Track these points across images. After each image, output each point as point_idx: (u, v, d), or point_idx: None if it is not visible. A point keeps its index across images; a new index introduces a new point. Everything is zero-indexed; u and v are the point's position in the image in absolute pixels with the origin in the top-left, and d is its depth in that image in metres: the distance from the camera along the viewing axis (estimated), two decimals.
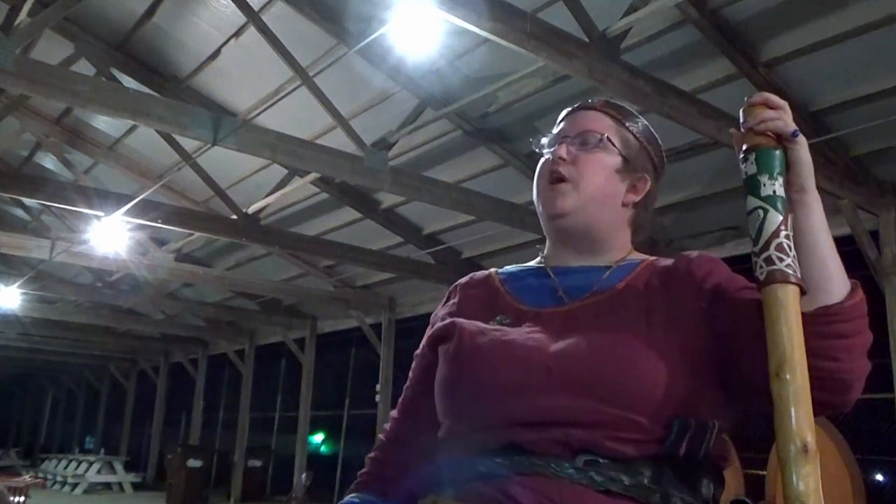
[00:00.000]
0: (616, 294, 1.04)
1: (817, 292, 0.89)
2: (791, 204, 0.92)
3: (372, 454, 1.17)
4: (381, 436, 1.18)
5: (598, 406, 0.91)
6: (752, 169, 0.92)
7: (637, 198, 1.12)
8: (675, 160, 5.49)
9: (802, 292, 0.88)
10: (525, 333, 1.01)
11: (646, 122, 1.16)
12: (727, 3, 4.31)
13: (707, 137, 4.64)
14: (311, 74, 5.32)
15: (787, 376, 0.83)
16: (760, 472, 5.53)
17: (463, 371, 1.01)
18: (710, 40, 4.44)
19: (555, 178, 1.09)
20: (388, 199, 7.42)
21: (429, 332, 1.15)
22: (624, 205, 1.11)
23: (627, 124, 1.13)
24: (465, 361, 1.02)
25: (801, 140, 0.93)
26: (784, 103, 0.95)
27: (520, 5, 3.57)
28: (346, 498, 1.11)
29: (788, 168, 0.93)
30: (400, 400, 1.19)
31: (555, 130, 1.17)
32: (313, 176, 6.33)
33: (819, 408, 0.85)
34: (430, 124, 5.94)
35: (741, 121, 0.95)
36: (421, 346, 1.16)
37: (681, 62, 4.64)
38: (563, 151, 1.09)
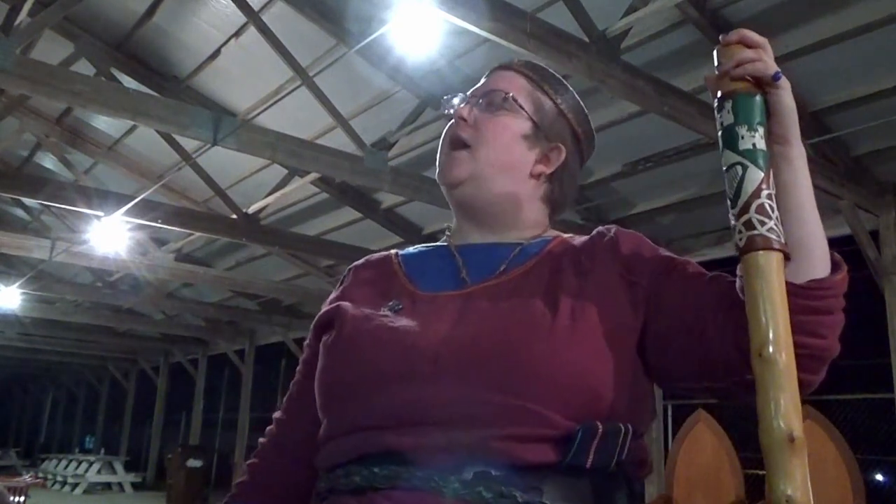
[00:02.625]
0: (522, 274, 0.92)
1: (804, 261, 0.79)
2: (772, 158, 0.80)
3: (251, 460, 1.04)
4: (262, 439, 1.05)
5: (491, 396, 0.79)
6: (729, 119, 0.80)
7: (549, 169, 0.99)
8: (675, 160, 5.50)
9: (787, 259, 0.78)
10: (417, 320, 0.88)
11: (572, 92, 1.03)
12: (727, 3, 4.32)
13: (707, 137, 4.64)
14: (311, 74, 5.32)
15: (771, 355, 0.72)
16: (760, 472, 5.53)
17: (340, 362, 0.90)
18: (711, 40, 4.44)
19: (454, 144, 0.99)
20: (388, 199, 7.42)
21: (316, 318, 1.01)
22: (532, 176, 0.98)
23: (546, 88, 1.01)
24: (343, 351, 0.90)
25: (784, 83, 0.81)
26: (763, 40, 0.82)
27: (520, 5, 3.57)
28: None
29: (769, 116, 0.81)
30: (285, 397, 1.05)
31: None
32: (313, 176, 6.33)
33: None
34: (430, 124, 5.94)
35: (716, 63, 0.83)
36: (308, 335, 1.03)
37: (681, 62, 4.65)
38: (465, 112, 0.98)
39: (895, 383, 5.00)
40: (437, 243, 1.05)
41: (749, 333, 0.75)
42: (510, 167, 0.97)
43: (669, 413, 6.87)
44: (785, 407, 0.72)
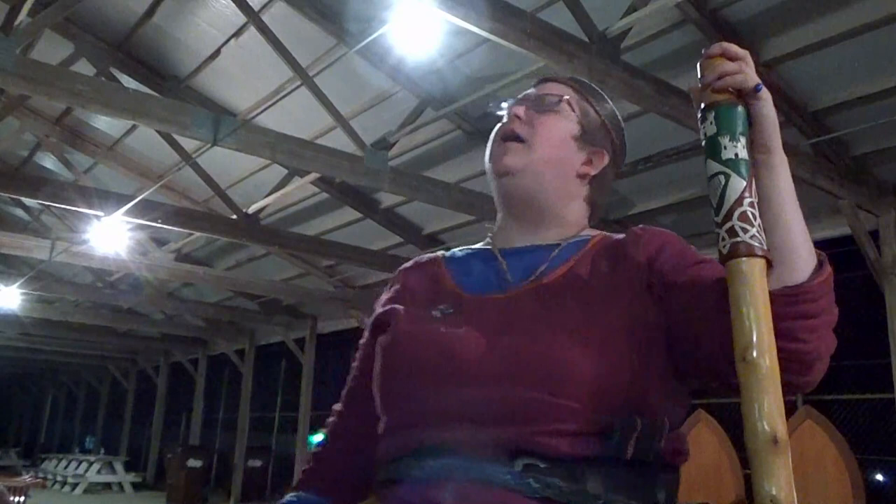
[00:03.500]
0: (563, 275, 0.97)
1: (782, 268, 0.81)
2: (755, 166, 0.83)
3: (315, 449, 1.11)
4: (324, 430, 1.12)
5: (534, 395, 0.84)
6: (712, 129, 0.83)
7: (593, 171, 1.05)
8: (676, 160, 5.50)
9: (770, 265, 0.80)
10: (464, 322, 0.94)
11: (612, 106, 1.11)
12: (727, 3, 4.31)
13: None
14: (311, 74, 5.32)
15: (755, 359, 0.75)
16: None
17: (396, 363, 0.96)
18: (711, 40, 4.43)
19: (508, 137, 1.05)
20: (388, 199, 7.42)
21: (370, 319, 1.08)
22: (579, 176, 1.05)
23: (590, 99, 1.09)
24: (397, 353, 0.96)
25: (765, 95, 0.84)
26: (745, 53, 0.84)
27: (520, 5, 3.57)
28: (286, 497, 1.05)
29: (752, 126, 0.84)
30: (343, 391, 1.12)
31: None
32: (313, 176, 6.33)
33: (786, 389, 0.78)
34: (430, 124, 5.94)
35: (699, 76, 0.86)
36: (364, 334, 1.09)
37: (681, 62, 4.64)
38: (520, 111, 1.05)
39: (895, 383, 5.00)
40: (480, 245, 1.11)
41: (733, 337, 0.78)
42: (559, 163, 1.04)
43: None
44: (768, 409, 0.74)
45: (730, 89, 0.84)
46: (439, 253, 1.13)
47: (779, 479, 0.72)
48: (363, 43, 4.32)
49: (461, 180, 6.48)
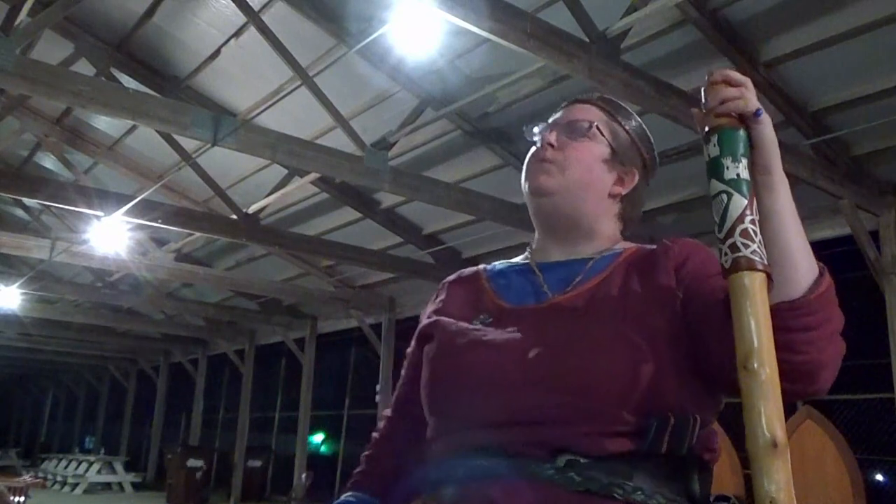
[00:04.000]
0: (596, 286, 1.03)
1: (781, 282, 0.86)
2: (756, 186, 0.88)
3: (367, 452, 1.17)
4: (375, 434, 1.19)
5: (574, 401, 0.90)
6: (715, 151, 0.88)
7: (624, 190, 1.11)
8: (676, 160, 5.50)
9: (770, 279, 0.84)
10: (505, 332, 1.00)
11: (640, 122, 1.16)
12: (727, 3, 4.31)
13: None
14: (311, 74, 5.32)
15: (755, 368, 0.79)
16: None
17: (442, 371, 1.03)
18: (710, 40, 4.44)
19: (541, 159, 1.11)
20: (388, 199, 7.42)
21: (418, 329, 1.15)
22: (611, 196, 1.11)
23: (619, 119, 1.14)
24: (443, 362, 1.03)
25: (765, 119, 0.89)
26: (746, 80, 0.90)
27: (520, 5, 3.57)
28: (343, 497, 1.11)
29: (753, 148, 0.89)
30: (393, 397, 1.20)
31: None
32: (313, 176, 6.33)
33: (792, 396, 0.84)
34: (430, 124, 5.94)
35: (702, 101, 0.91)
36: (412, 342, 1.17)
37: (681, 62, 4.65)
38: (551, 138, 1.10)
39: (895, 383, 5.00)
40: (520, 259, 1.17)
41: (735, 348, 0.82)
42: (591, 186, 1.09)
43: None
44: (768, 415, 0.78)
45: (732, 114, 0.88)
46: (481, 267, 1.20)
47: (778, 481, 0.76)
48: (363, 43, 4.32)
49: (461, 180, 6.48)
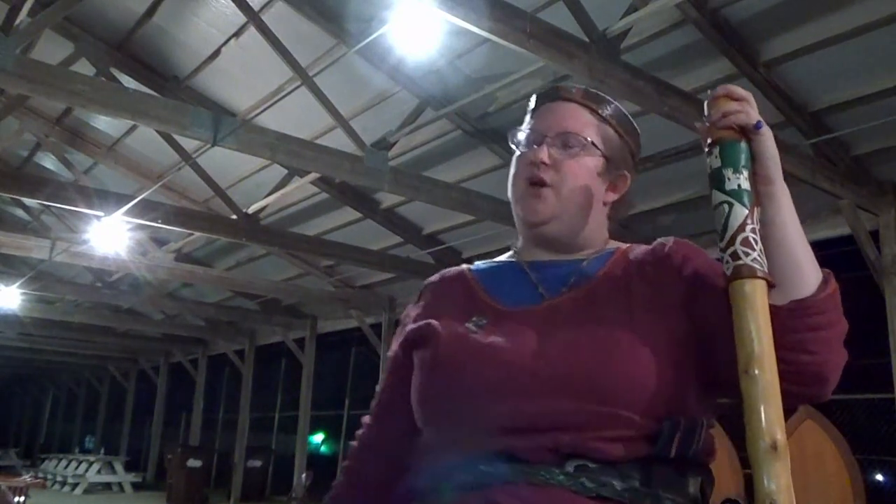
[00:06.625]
0: (595, 285, 1.01)
1: (788, 285, 0.87)
2: (758, 196, 0.90)
3: (346, 463, 1.12)
4: (353, 443, 1.13)
5: (585, 406, 0.89)
6: (717, 163, 0.91)
7: (617, 196, 1.09)
8: (675, 160, 5.50)
9: (771, 286, 0.86)
10: (506, 335, 0.97)
11: (618, 106, 1.11)
12: (727, 3, 4.31)
13: None
14: (311, 74, 5.32)
15: (756, 373, 0.81)
16: None
17: (443, 379, 0.98)
18: (710, 40, 4.44)
19: (535, 182, 1.05)
20: (388, 199, 7.42)
21: (400, 333, 1.10)
22: (605, 204, 1.09)
23: (607, 116, 1.08)
24: (444, 369, 0.98)
25: (766, 132, 0.91)
26: (748, 95, 0.92)
27: (520, 5, 3.57)
28: None
29: (754, 160, 0.91)
30: (373, 404, 1.13)
31: (530, 120, 1.10)
32: (313, 176, 6.33)
33: (797, 400, 0.86)
34: (430, 124, 5.94)
35: (705, 114, 0.94)
36: (393, 348, 1.11)
37: (681, 62, 4.64)
38: (544, 155, 1.04)
39: (895, 383, 5.00)
40: (506, 258, 1.13)
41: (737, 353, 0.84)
42: (588, 202, 1.06)
43: None
44: (768, 418, 0.80)
45: (733, 127, 0.91)
46: (464, 266, 1.14)
47: (778, 482, 0.77)
48: (363, 43, 4.32)
49: (461, 180, 6.48)
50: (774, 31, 4.44)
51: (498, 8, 3.42)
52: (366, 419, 1.13)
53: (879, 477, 5.98)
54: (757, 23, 4.42)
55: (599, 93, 1.11)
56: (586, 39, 3.82)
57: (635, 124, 1.12)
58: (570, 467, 0.87)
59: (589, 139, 1.05)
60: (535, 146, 1.06)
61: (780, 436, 0.79)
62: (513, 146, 1.10)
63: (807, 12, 4.26)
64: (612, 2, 4.08)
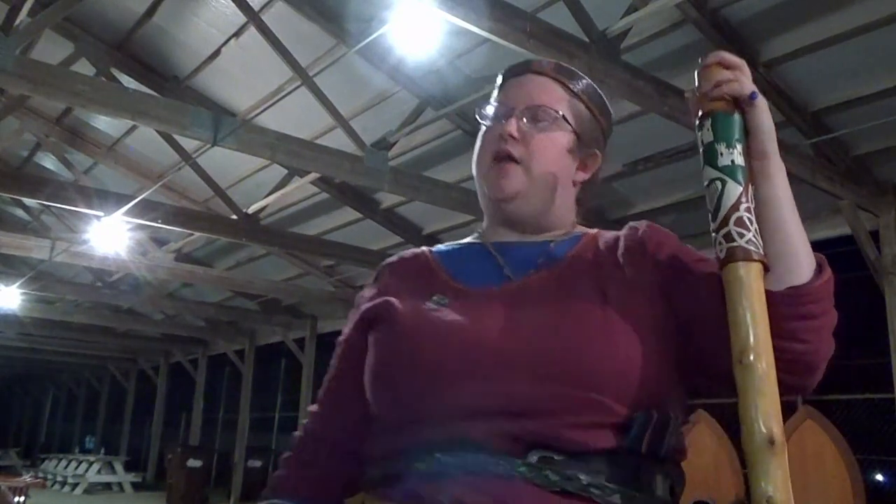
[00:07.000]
0: (564, 267, 0.94)
1: (784, 270, 0.82)
2: (752, 173, 0.84)
3: (287, 454, 1.02)
4: (297, 433, 1.03)
5: (558, 389, 0.82)
6: (709, 137, 0.84)
7: (587, 175, 1.03)
8: (676, 160, 5.50)
9: (766, 269, 0.81)
10: (469, 314, 0.89)
11: (591, 83, 1.05)
12: (727, 3, 4.31)
13: None
14: (311, 74, 5.32)
15: (751, 362, 0.76)
16: None
17: (400, 358, 0.90)
18: (710, 40, 4.44)
19: (502, 158, 0.98)
20: (388, 199, 7.42)
21: (354, 314, 1.02)
22: (574, 184, 1.02)
23: (579, 92, 1.02)
24: (402, 346, 0.90)
25: (761, 102, 0.84)
26: (741, 62, 0.86)
27: (520, 5, 3.57)
28: None
29: (748, 134, 0.84)
30: (321, 391, 1.04)
31: (498, 93, 1.04)
32: (313, 176, 6.33)
33: (783, 389, 0.78)
34: (430, 124, 5.94)
35: (696, 84, 0.87)
36: (346, 330, 1.03)
37: (681, 62, 4.64)
38: (512, 128, 0.98)
39: (895, 383, 5.00)
40: (469, 240, 1.07)
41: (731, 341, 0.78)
42: (557, 180, 0.99)
43: None
44: (765, 411, 0.75)
45: (726, 97, 0.84)
46: (424, 248, 1.08)
47: (775, 480, 0.73)
48: (363, 43, 4.32)
49: (461, 180, 6.47)
50: (774, 31, 4.44)
51: (498, 8, 3.42)
52: (312, 408, 1.04)
53: (879, 477, 5.98)
54: (757, 23, 4.42)
55: (572, 68, 1.05)
56: (586, 39, 3.82)
57: (608, 104, 1.06)
58: (532, 458, 0.80)
59: (560, 113, 0.99)
60: (502, 120, 0.99)
61: (777, 430, 0.74)
62: (479, 120, 1.04)
63: (807, 12, 4.26)
64: (612, 2, 4.08)
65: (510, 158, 0.98)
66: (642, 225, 0.99)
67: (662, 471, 0.85)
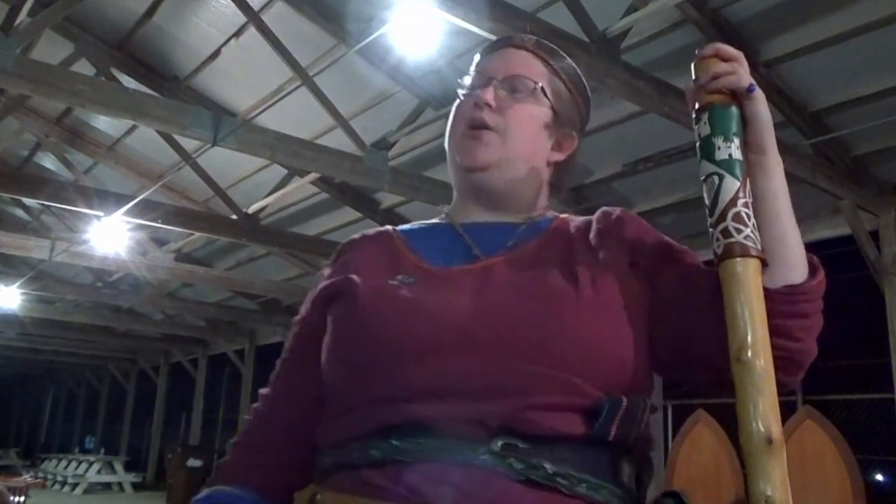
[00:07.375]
0: (535, 248, 0.91)
1: (780, 267, 0.80)
2: (749, 167, 0.82)
3: (236, 439, 0.96)
4: (247, 416, 0.98)
5: (523, 364, 0.78)
6: (706, 130, 0.83)
7: (562, 157, 1.00)
8: (676, 160, 5.49)
9: (764, 265, 0.79)
10: (435, 292, 0.86)
11: (573, 64, 1.04)
12: (727, 3, 4.31)
13: None
14: (311, 74, 5.32)
15: (749, 359, 0.74)
16: None
17: (359, 334, 0.85)
18: (710, 40, 4.38)
19: (477, 126, 0.94)
20: (388, 199, 7.42)
21: (312, 292, 0.98)
22: (549, 163, 0.99)
23: (559, 69, 1.01)
24: (362, 322, 0.86)
25: (758, 95, 0.83)
26: (738, 54, 0.84)
27: (520, 5, 3.57)
28: (202, 493, 0.89)
29: (746, 127, 0.83)
30: (273, 374, 1.00)
31: (477, 65, 1.01)
32: (313, 176, 6.33)
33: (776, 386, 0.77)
34: (430, 124, 5.94)
35: (693, 77, 0.85)
36: (303, 310, 0.99)
37: (681, 62, 4.64)
38: (489, 96, 0.94)
39: (895, 383, 5.01)
40: (435, 220, 1.04)
41: (728, 337, 0.77)
42: (532, 156, 0.96)
43: (669, 413, 6.87)
44: (763, 409, 0.73)
45: (723, 90, 0.83)
46: (389, 227, 1.04)
47: (774, 480, 0.72)
48: (363, 43, 4.32)
49: None
50: (774, 31, 4.44)
51: (498, 8, 3.42)
52: (263, 391, 0.99)
53: (879, 477, 5.99)
54: (757, 23, 4.42)
55: (554, 46, 1.03)
56: (586, 39, 3.82)
57: (588, 88, 1.05)
58: (496, 445, 0.75)
59: (539, 84, 0.97)
60: (479, 90, 0.96)
61: (776, 428, 0.73)
62: (458, 92, 1.00)
63: (807, 12, 4.26)
64: (612, 2, 4.08)
65: (485, 127, 0.94)
66: (617, 211, 0.97)
67: (630, 459, 0.82)
